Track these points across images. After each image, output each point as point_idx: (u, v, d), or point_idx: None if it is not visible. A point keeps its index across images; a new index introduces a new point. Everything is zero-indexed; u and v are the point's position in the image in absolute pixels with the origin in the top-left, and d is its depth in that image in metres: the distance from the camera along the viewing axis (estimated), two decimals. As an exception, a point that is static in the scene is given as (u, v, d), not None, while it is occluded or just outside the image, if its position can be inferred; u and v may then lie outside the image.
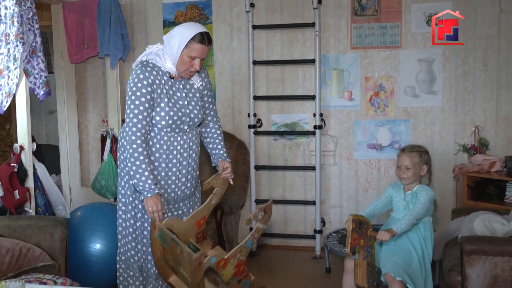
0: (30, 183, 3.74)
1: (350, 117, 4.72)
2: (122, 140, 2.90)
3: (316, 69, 4.59)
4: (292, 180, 4.91)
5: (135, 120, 2.77)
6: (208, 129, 3.16)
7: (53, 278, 2.85)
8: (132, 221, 3.05)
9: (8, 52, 3.57)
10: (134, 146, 2.76)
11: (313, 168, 4.73)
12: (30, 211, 3.70)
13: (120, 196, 3.07)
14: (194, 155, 3.03)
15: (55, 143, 5.14)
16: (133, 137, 2.76)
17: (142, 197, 2.79)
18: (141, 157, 2.76)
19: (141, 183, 2.76)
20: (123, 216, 3.07)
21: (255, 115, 4.81)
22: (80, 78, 5.06)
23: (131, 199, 3.00)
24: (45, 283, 2.65)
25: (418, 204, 3.09)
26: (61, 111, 4.77)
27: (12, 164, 3.70)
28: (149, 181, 2.76)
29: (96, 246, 3.60)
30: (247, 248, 2.77)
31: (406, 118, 4.62)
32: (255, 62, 4.75)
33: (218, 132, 3.18)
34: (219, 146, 3.16)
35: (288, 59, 4.75)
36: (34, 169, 3.84)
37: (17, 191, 3.66)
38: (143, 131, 2.78)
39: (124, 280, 3.13)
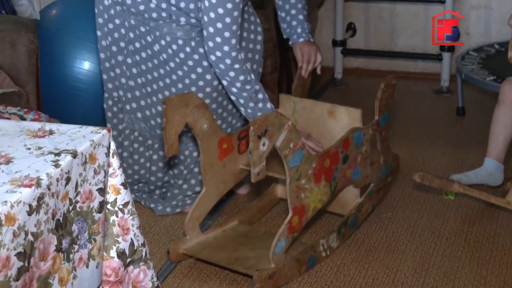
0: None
1: None
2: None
3: None
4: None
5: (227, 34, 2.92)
6: None
7: (19, 112, 2.94)
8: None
9: None
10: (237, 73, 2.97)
11: None
12: (-23, 7, 3.73)
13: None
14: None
15: None
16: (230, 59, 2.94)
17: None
18: (248, 82, 2.98)
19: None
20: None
21: None
22: None
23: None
24: (8, 119, 2.74)
25: None
26: None
27: None
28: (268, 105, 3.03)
29: (84, 65, 3.68)
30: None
31: None
32: None
33: None
34: (300, 17, 3.32)
35: None
36: None
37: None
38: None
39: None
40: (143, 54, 3.15)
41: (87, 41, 3.66)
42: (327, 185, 2.93)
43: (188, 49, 3.07)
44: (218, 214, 3.33)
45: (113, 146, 2.04)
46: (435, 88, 4.75)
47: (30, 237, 1.67)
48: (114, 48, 3.21)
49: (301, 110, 3.25)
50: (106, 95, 3.35)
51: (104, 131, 2.00)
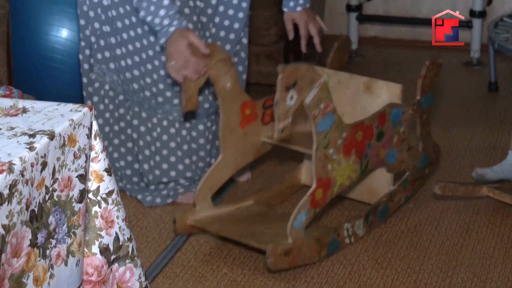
0: None
1: None
2: None
3: None
4: None
5: None
6: None
7: (-12, 87, 2.94)
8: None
9: None
10: None
11: None
12: None
13: None
14: None
15: None
16: None
17: (161, 42, 3.00)
18: None
19: (149, 17, 2.96)
20: None
21: None
22: None
23: None
24: (-27, 96, 2.75)
25: None
26: None
27: None
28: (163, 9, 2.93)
29: (61, 33, 3.68)
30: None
31: None
32: None
33: None
34: None
35: None
36: None
37: None
38: None
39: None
40: None
41: (65, 5, 3.66)
42: (357, 161, 2.95)
43: None
44: (215, 203, 3.33)
45: (95, 126, 2.04)
46: (464, 60, 4.74)
47: (1, 230, 1.67)
48: None
49: (335, 84, 3.24)
50: (83, 43, 3.35)
51: (85, 109, 2.00)
